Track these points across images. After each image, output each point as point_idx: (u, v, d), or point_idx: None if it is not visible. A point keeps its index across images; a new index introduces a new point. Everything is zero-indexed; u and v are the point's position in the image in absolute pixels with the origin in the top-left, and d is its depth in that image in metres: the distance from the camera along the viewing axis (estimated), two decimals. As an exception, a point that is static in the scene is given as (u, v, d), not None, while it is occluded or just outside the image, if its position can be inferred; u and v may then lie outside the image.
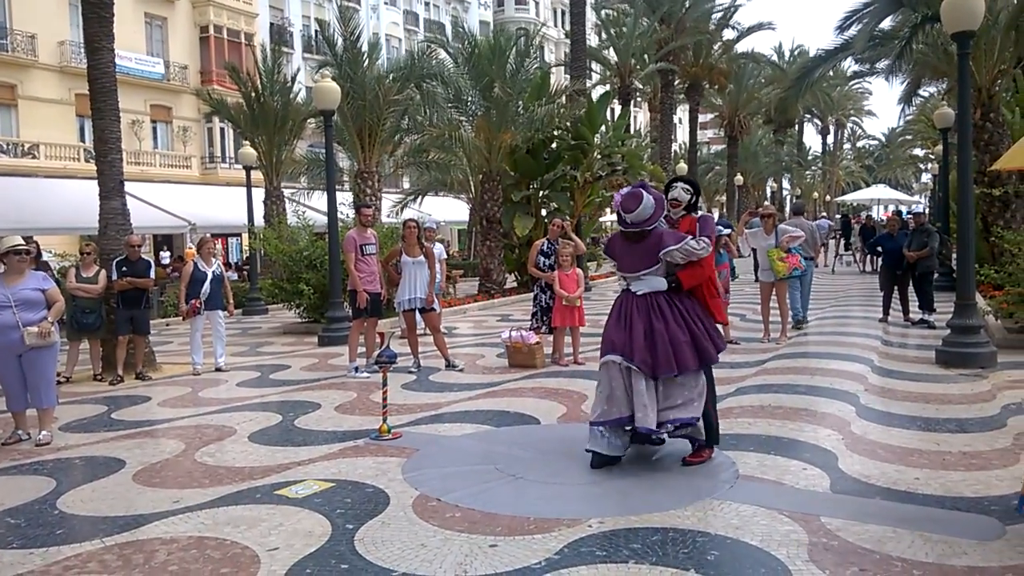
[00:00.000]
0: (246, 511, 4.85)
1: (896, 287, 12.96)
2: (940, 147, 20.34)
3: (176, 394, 8.96)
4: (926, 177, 62.88)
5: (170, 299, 17.30)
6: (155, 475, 5.72)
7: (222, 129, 32.54)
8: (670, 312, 5.43)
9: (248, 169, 20.41)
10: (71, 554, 4.29)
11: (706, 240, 5.47)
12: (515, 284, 21.70)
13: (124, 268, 9.93)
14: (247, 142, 22.13)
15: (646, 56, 35.02)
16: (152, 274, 10.28)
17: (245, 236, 22.48)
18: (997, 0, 15.14)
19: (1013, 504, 4.58)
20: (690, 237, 5.46)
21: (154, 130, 31.33)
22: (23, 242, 6.98)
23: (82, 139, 27.67)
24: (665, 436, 5.49)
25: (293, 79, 23.22)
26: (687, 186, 5.76)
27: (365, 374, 9.38)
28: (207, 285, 10.18)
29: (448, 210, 33.70)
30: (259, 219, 21.46)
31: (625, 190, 5.57)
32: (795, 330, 11.91)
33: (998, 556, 3.91)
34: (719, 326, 5.83)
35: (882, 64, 20.63)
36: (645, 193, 5.42)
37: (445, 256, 16.19)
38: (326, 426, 7.05)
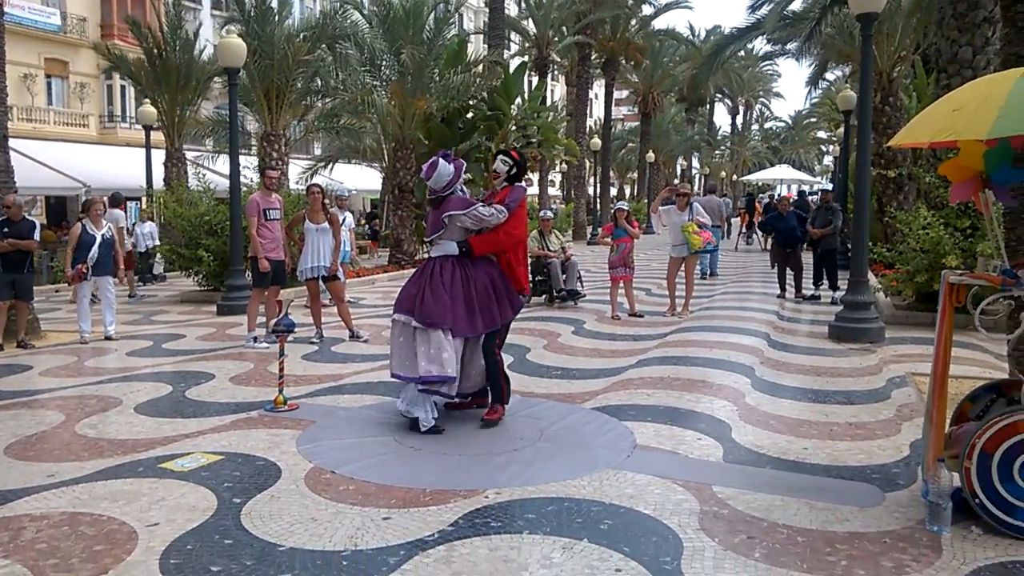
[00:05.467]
0: (126, 485, 4.61)
1: (787, 265, 13.39)
2: (842, 130, 21.02)
3: (60, 363, 8.48)
4: (828, 159, 65.21)
5: (59, 264, 16.41)
6: (29, 448, 5.39)
7: (123, 87, 30.91)
8: (452, 275, 5.70)
9: (148, 129, 19.49)
10: (-73, 533, 3.99)
11: (500, 208, 5.78)
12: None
13: (5, 229, 9.31)
14: (148, 101, 21.12)
15: (564, 28, 34.93)
16: (37, 235, 9.66)
17: (144, 200, 21.51)
18: (899, -12, 15.69)
19: (894, 472, 4.77)
20: (481, 204, 5.88)
21: (48, 85, 29.46)
22: None
23: (-35, 91, 25.88)
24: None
25: (196, 35, 22.16)
26: (506, 158, 6.03)
27: (264, 344, 9.08)
28: (95, 249, 9.64)
29: (360, 178, 32.94)
30: (159, 182, 20.55)
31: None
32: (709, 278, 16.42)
33: (877, 522, 4.05)
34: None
35: (792, 45, 21.19)
36: (442, 161, 5.84)
37: (354, 225, 15.83)
38: (219, 397, 6.79)
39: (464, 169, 6.05)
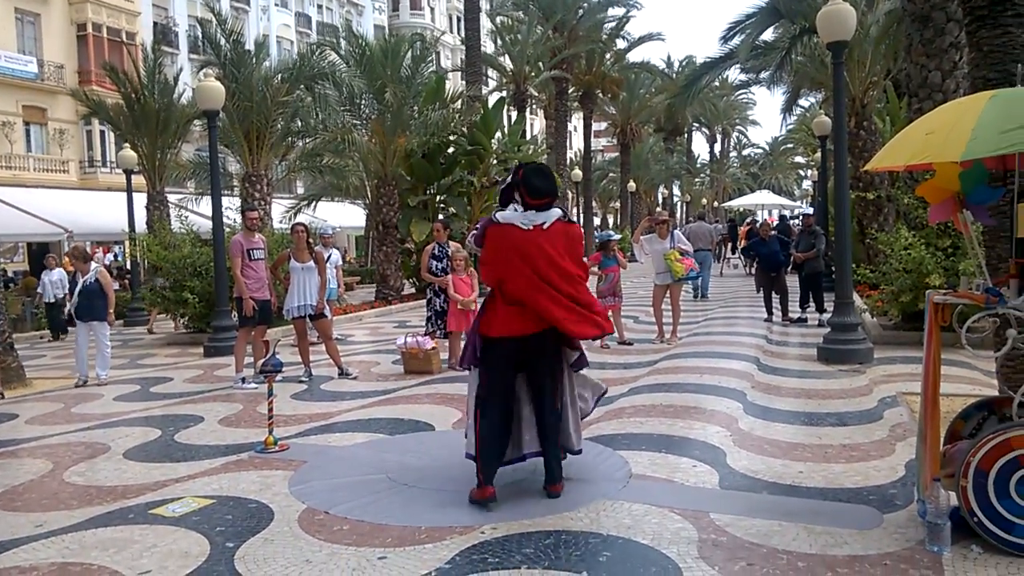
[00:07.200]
0: (117, 532, 4.53)
1: (772, 289, 13.50)
2: (819, 154, 21.30)
3: (46, 411, 8.37)
4: (807, 184, 65.98)
5: (42, 311, 16.32)
6: (16, 498, 5.29)
7: (102, 132, 30.86)
8: None
9: (129, 173, 19.44)
10: (-87, 590, 3.90)
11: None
12: (413, 290, 21.46)
13: None
14: (128, 145, 21.09)
15: (540, 63, 35.38)
16: None
17: (128, 243, 21.39)
18: (868, 16, 16.00)
19: (891, 493, 4.76)
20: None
21: (27, 132, 29.42)
22: None
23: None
24: None
25: (176, 79, 22.21)
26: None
27: (253, 385, 9.01)
28: (75, 296, 9.66)
29: (344, 216, 33.04)
30: (141, 225, 20.46)
31: None
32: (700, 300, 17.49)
33: (876, 544, 4.03)
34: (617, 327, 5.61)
35: (765, 74, 21.50)
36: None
37: (341, 263, 15.82)
38: (208, 440, 6.71)
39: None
